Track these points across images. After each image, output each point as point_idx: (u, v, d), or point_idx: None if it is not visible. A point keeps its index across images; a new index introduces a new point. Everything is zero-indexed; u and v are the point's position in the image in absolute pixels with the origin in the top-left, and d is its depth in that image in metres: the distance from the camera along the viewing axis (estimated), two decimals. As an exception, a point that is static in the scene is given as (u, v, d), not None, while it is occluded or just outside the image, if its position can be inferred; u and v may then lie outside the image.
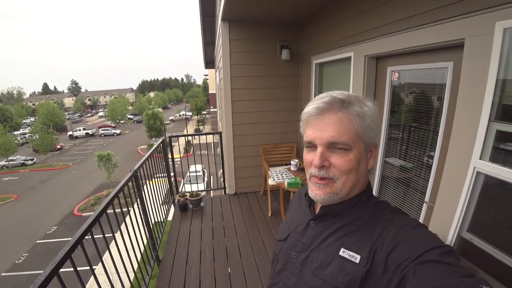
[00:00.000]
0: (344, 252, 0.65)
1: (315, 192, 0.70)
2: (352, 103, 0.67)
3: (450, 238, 1.57)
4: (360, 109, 0.66)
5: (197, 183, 4.63)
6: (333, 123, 0.65)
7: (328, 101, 0.67)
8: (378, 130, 0.70)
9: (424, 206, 1.95)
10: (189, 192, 3.91)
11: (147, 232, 2.52)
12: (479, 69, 1.35)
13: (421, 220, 1.95)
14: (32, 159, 25.35)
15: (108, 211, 1.71)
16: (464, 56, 1.44)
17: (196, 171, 4.65)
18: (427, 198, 1.91)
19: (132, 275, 2.03)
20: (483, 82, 1.32)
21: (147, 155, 2.78)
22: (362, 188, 0.73)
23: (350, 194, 0.70)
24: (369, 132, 0.67)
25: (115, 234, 1.81)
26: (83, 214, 14.33)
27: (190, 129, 35.85)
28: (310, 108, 0.69)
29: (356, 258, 0.63)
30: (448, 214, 1.58)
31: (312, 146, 0.69)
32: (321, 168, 0.67)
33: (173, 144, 3.93)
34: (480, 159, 1.39)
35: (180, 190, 4.23)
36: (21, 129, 42.66)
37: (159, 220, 3.04)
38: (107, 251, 1.71)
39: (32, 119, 50.64)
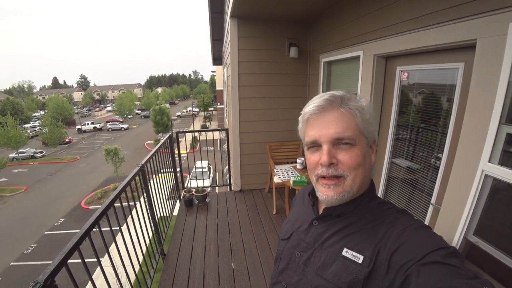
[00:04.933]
0: (347, 252, 0.65)
1: (326, 193, 0.68)
2: (350, 99, 0.68)
3: (456, 240, 1.56)
4: (358, 104, 0.67)
5: (203, 179, 4.65)
6: (336, 119, 0.66)
7: (328, 98, 0.68)
8: (377, 125, 0.71)
9: (430, 208, 1.93)
10: (194, 188, 3.94)
11: (152, 226, 2.55)
12: (491, 71, 1.32)
13: (426, 222, 1.94)
14: (41, 152, 25.77)
15: (115, 205, 1.73)
16: (476, 57, 1.41)
17: (202, 167, 4.67)
18: (433, 200, 1.90)
19: (137, 268, 2.06)
20: (494, 84, 1.30)
21: (154, 150, 2.80)
22: (365, 187, 0.72)
23: (359, 191, 0.69)
24: (370, 126, 0.68)
25: (121, 227, 1.83)
26: (90, 207, 14.54)
27: (197, 125, 35.96)
28: (310, 107, 0.69)
29: (359, 258, 0.63)
30: (454, 217, 1.57)
31: (316, 146, 0.69)
32: (330, 166, 0.66)
33: (179, 139, 3.96)
34: (489, 162, 1.37)
35: (186, 185, 4.26)
36: (31, 122, 43.32)
37: (164, 214, 3.08)
38: (114, 243, 1.74)
39: (42, 112, 51.36)
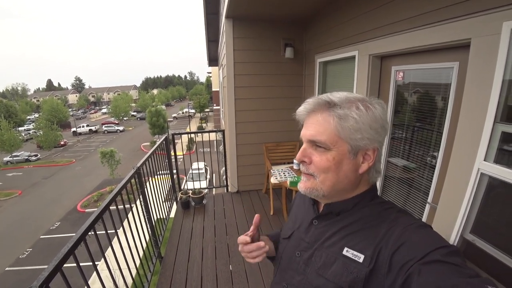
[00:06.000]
0: (347, 252, 0.66)
1: (300, 185, 0.74)
2: (338, 106, 0.66)
3: (453, 239, 1.57)
4: (344, 111, 0.65)
5: (200, 180, 4.64)
6: (315, 122, 0.68)
7: (312, 102, 0.70)
8: (374, 134, 0.66)
9: (427, 207, 1.94)
10: (191, 190, 3.92)
11: (149, 229, 2.53)
12: (485, 70, 1.33)
13: (423, 221, 1.95)
14: (36, 155, 25.52)
15: (111, 208, 1.72)
16: (470, 56, 1.42)
17: (198, 169, 4.66)
18: (430, 199, 1.90)
19: (134, 272, 2.04)
20: (489, 83, 1.31)
21: (150, 152, 2.79)
22: (365, 188, 0.72)
23: (336, 194, 0.71)
24: (355, 134, 0.65)
25: (117, 231, 1.82)
26: (86, 210, 14.43)
27: (193, 126, 35.89)
28: (301, 108, 0.73)
29: (360, 257, 0.63)
30: (451, 215, 1.57)
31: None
32: (302, 163, 0.72)
33: (176, 141, 3.94)
34: (484, 160, 1.38)
35: (182, 187, 4.24)
36: (26, 125, 42.88)
37: (161, 217, 3.06)
38: (110, 247, 1.72)
39: (36, 115, 50.81)
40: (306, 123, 0.71)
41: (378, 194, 0.76)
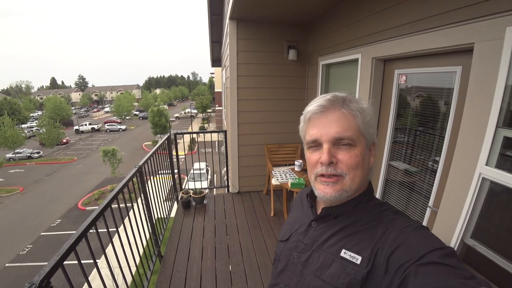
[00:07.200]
0: (345, 253, 0.66)
1: (324, 190, 0.68)
2: (352, 101, 0.69)
3: (453, 243, 1.56)
4: (359, 106, 0.69)
5: (201, 180, 4.64)
6: (337, 119, 0.67)
7: (330, 99, 0.69)
8: (376, 128, 0.72)
9: (428, 211, 1.93)
10: (192, 190, 3.93)
11: (150, 228, 2.54)
12: (488, 74, 1.33)
13: (424, 225, 1.94)
14: (38, 152, 25.62)
15: (112, 206, 1.72)
16: (473, 61, 1.42)
17: (200, 169, 4.66)
18: (431, 203, 1.90)
19: (134, 270, 2.05)
20: (491, 88, 1.31)
21: (152, 151, 2.80)
22: (364, 188, 0.73)
23: (357, 191, 0.70)
24: (370, 128, 0.69)
25: (118, 229, 1.82)
26: (87, 208, 14.46)
27: (195, 126, 35.90)
28: (313, 106, 0.70)
29: (357, 259, 0.63)
30: (452, 220, 1.57)
31: (316, 145, 0.70)
32: (329, 165, 0.66)
33: (177, 141, 3.94)
34: (486, 165, 1.37)
35: (183, 187, 4.25)
36: (29, 123, 43.11)
37: (162, 216, 3.06)
38: (110, 245, 1.73)
39: (40, 113, 51.05)
40: (322, 122, 0.68)
41: (379, 197, 0.76)
